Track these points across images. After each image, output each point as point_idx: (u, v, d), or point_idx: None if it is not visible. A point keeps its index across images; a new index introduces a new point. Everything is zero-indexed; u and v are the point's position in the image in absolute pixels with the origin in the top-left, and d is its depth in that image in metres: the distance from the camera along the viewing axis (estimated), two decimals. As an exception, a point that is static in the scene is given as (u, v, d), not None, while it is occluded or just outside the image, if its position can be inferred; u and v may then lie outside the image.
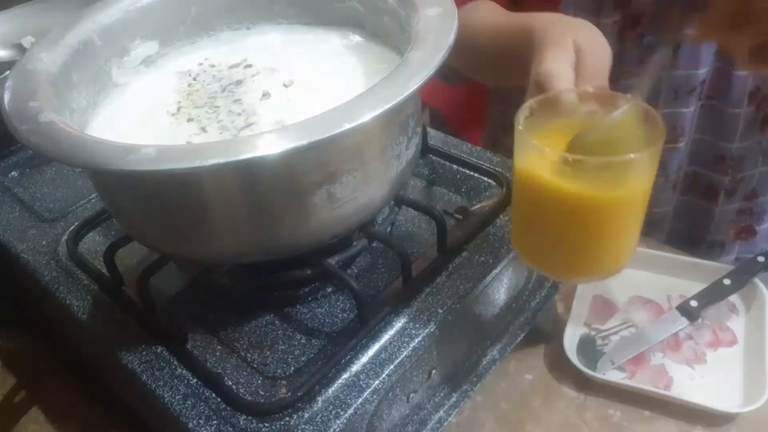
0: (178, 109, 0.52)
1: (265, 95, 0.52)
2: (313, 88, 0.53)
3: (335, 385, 0.44)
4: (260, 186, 0.41)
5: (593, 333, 0.67)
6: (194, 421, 0.43)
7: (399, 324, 0.48)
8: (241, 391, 0.45)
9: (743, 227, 0.85)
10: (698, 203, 0.84)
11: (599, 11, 0.73)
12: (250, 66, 0.56)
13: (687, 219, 0.85)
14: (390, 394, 0.47)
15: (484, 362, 0.57)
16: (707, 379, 0.62)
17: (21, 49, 0.78)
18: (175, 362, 0.47)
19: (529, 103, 0.42)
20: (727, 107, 0.75)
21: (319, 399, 0.44)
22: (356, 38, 0.58)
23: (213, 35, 0.61)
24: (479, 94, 0.93)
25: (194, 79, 0.56)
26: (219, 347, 0.49)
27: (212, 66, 0.58)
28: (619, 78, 0.76)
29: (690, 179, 0.83)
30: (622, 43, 0.74)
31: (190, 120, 0.51)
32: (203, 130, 0.49)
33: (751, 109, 0.76)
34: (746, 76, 0.73)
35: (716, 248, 0.86)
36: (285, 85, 0.53)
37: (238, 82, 0.54)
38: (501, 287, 0.56)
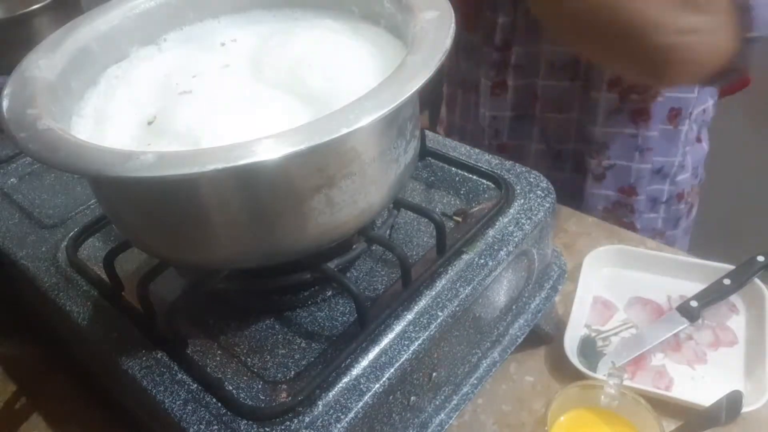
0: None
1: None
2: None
3: (336, 388, 0.44)
4: (259, 191, 0.41)
5: (594, 334, 0.67)
6: (195, 427, 0.43)
7: (399, 327, 0.48)
8: (242, 395, 0.45)
9: (621, 223, 0.87)
10: (572, 177, 0.89)
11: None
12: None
13: (562, 190, 0.86)
14: (390, 397, 0.47)
15: (485, 364, 0.57)
16: (708, 380, 0.62)
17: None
18: (176, 367, 0.47)
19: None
20: (590, 89, 0.81)
21: (320, 403, 0.44)
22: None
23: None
24: None
25: (194, 77, 0.56)
26: (219, 352, 0.49)
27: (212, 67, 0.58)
28: (513, 44, 0.83)
29: (576, 156, 0.89)
30: (515, 12, 0.81)
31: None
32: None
33: (611, 96, 0.80)
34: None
35: None
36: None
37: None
38: (501, 289, 0.56)
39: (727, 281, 0.67)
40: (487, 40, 0.86)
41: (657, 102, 0.82)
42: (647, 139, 0.84)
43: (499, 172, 0.61)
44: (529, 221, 0.56)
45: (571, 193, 0.89)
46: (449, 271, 0.52)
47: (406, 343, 0.47)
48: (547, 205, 0.58)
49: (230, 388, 0.46)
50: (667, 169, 0.87)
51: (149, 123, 0.49)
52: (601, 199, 0.89)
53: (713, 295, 0.67)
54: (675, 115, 0.83)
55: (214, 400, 0.45)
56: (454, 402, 0.54)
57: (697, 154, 0.90)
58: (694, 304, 0.66)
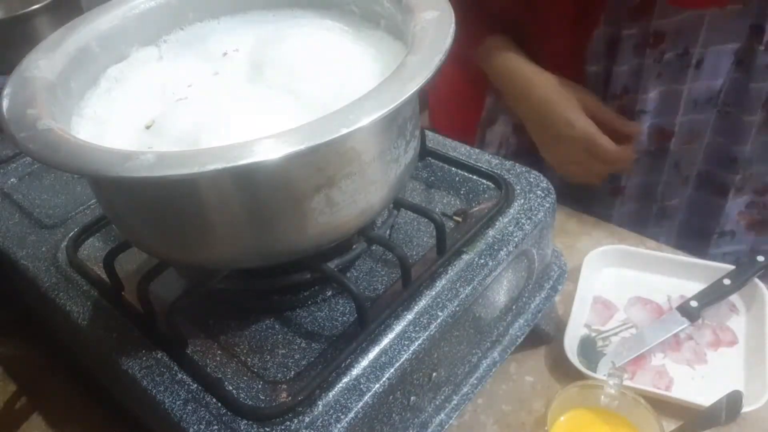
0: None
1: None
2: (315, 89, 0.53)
3: (336, 388, 0.44)
4: (259, 191, 0.41)
5: (594, 334, 0.67)
6: (195, 427, 0.43)
7: (399, 327, 0.48)
8: (242, 395, 0.45)
9: (755, 219, 0.87)
10: (710, 199, 0.88)
11: (618, 23, 0.77)
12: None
13: (698, 213, 0.89)
14: (390, 397, 0.47)
15: (485, 364, 0.57)
16: (708, 380, 0.62)
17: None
18: (176, 367, 0.47)
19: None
20: (743, 115, 0.79)
21: (320, 403, 0.44)
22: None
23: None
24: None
25: (189, 86, 0.56)
26: (219, 352, 0.49)
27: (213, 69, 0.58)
28: (638, 90, 0.79)
29: (703, 177, 0.87)
30: (640, 57, 0.78)
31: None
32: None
33: (762, 115, 0.79)
34: (761, 87, 0.77)
35: (726, 236, 0.89)
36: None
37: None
38: (501, 289, 0.56)
39: (727, 281, 0.67)
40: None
41: None
42: None
43: (499, 172, 0.61)
44: (529, 221, 0.56)
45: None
46: (449, 271, 0.52)
47: (406, 343, 0.47)
48: (547, 205, 0.58)
49: (230, 388, 0.46)
50: None
51: (147, 127, 0.49)
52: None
53: (713, 295, 0.67)
54: None
55: (214, 400, 0.45)
56: (454, 402, 0.54)
57: None
58: (694, 304, 0.66)
